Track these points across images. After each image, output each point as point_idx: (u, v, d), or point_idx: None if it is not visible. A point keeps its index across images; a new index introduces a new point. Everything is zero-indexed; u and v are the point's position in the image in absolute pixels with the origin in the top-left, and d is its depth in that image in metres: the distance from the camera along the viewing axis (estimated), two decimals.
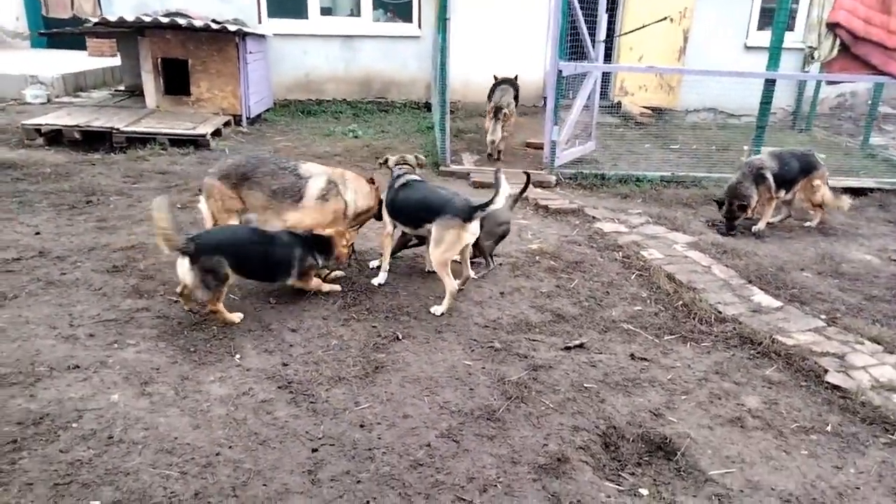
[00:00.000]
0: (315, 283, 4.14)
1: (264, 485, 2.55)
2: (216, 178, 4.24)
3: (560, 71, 6.78)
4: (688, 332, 3.97)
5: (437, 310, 4.04)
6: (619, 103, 10.45)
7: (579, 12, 7.01)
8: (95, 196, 5.85)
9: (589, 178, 7.16)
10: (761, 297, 4.42)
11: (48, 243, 4.72)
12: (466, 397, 3.18)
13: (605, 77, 10.30)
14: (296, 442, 2.80)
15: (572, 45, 7.27)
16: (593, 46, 7.53)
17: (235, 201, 4.25)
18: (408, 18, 10.80)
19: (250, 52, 8.96)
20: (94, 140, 7.59)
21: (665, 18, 8.04)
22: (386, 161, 4.61)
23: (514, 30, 10.52)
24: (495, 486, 2.59)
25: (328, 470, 2.64)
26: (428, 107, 10.67)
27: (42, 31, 13.59)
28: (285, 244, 3.94)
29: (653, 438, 2.93)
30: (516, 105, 8.31)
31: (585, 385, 3.34)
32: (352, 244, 4.41)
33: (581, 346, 3.75)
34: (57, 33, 12.43)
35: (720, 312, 4.19)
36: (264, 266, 3.91)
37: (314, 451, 2.75)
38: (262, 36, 9.73)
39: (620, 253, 5.18)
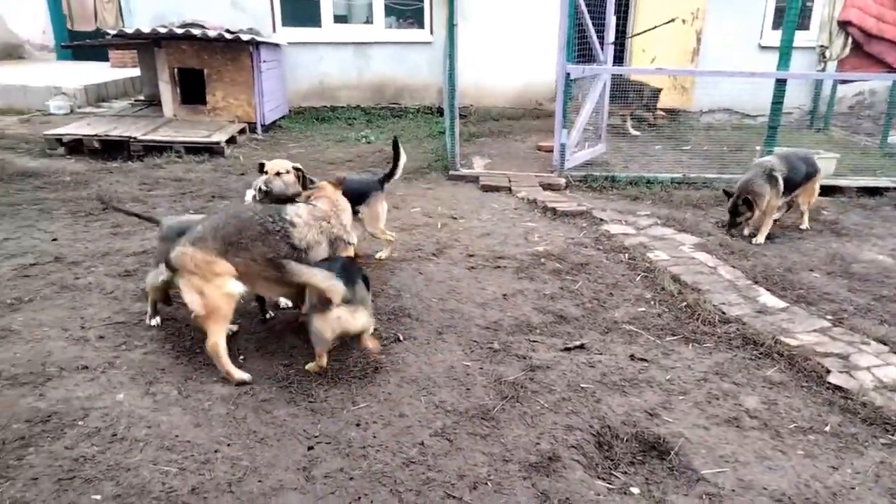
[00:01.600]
0: None
1: (259, 481, 2.61)
2: (188, 246, 3.28)
3: (568, 74, 6.80)
4: (690, 332, 3.96)
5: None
6: None
7: (587, 15, 7.03)
8: (112, 202, 6.00)
9: (599, 180, 7.15)
10: (767, 298, 4.38)
11: (64, 249, 4.86)
12: (462, 397, 3.22)
13: (620, 79, 10.29)
14: (293, 440, 2.86)
15: (582, 48, 7.28)
16: (602, 49, 7.54)
17: (221, 266, 3.31)
18: (420, 24, 10.90)
19: (264, 61, 9.11)
20: (113, 149, 7.79)
21: (673, 20, 8.01)
22: (263, 169, 4.08)
23: (527, 33, 10.54)
24: (485, 483, 2.62)
25: (322, 467, 2.70)
26: (440, 111, 10.73)
27: (65, 44, 13.98)
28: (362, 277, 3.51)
29: (647, 438, 2.93)
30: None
31: (582, 385, 3.35)
32: None
33: (581, 346, 3.76)
34: (79, 46, 12.76)
35: (724, 313, 4.17)
36: None
37: (310, 448, 2.81)
38: (277, 45, 9.89)
39: (626, 255, 5.18)
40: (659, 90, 9.41)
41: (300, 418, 3.02)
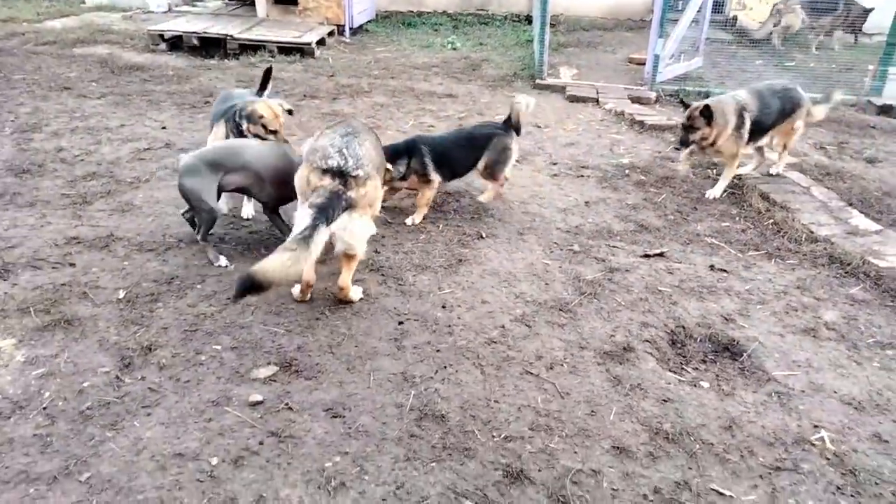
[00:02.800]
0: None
1: (356, 346, 2.90)
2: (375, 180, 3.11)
3: None
4: (774, 249, 3.93)
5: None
6: (735, 18, 9.74)
7: None
8: (212, 97, 6.31)
9: (691, 95, 6.87)
10: (860, 220, 4.25)
11: (173, 136, 5.23)
12: (542, 290, 3.38)
13: None
14: (384, 315, 3.13)
15: None
16: None
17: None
18: None
19: None
20: (210, 46, 8.08)
21: None
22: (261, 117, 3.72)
23: None
24: (561, 365, 2.82)
25: (412, 339, 2.96)
26: (529, 20, 10.42)
27: None
28: None
29: (720, 339, 3.03)
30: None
31: (659, 288, 3.44)
32: None
33: (661, 254, 3.82)
34: None
35: (812, 232, 4.09)
36: None
37: (400, 323, 3.07)
38: None
39: (714, 171, 5.08)
40: (870, 10, 8.75)
41: (391, 298, 3.27)
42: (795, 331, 3.12)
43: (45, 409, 2.45)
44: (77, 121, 5.45)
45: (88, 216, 3.90)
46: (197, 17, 9.07)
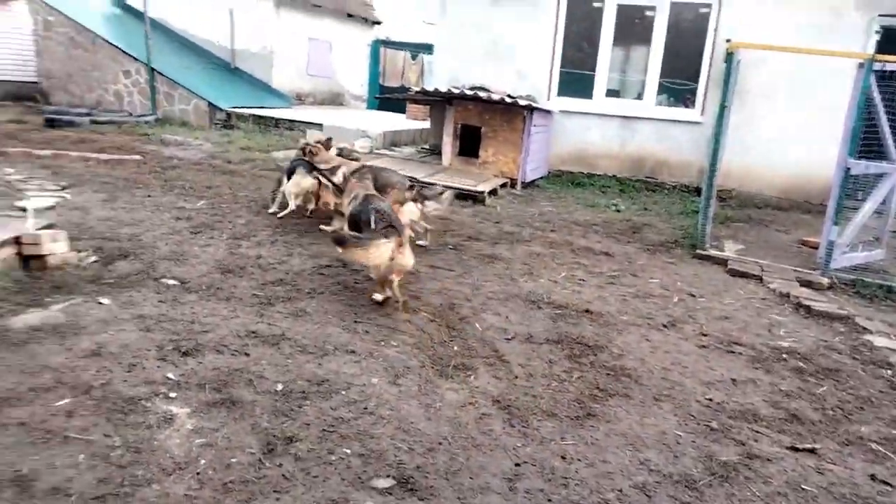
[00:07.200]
0: None
1: (471, 478, 2.99)
2: None
3: (848, 168, 6.33)
4: None
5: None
6: None
7: (881, 108, 6.49)
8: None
9: (871, 286, 6.44)
10: None
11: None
12: (669, 462, 3.27)
13: None
14: (503, 453, 3.21)
15: (870, 143, 6.73)
16: None
17: None
18: (691, 104, 10.91)
19: (535, 125, 9.95)
20: None
21: None
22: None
23: (809, 122, 9.93)
24: None
25: (525, 483, 2.99)
26: (698, 191, 10.52)
27: (376, 96, 16.70)
28: None
29: None
30: None
31: (804, 486, 3.17)
32: None
33: (812, 451, 3.53)
34: (386, 98, 15.18)
35: None
36: None
37: (517, 465, 3.12)
38: (549, 111, 10.72)
39: (890, 371, 4.64)
40: None
41: (512, 437, 3.36)
42: None
43: (198, 474, 2.81)
44: (279, 235, 6.40)
45: (269, 315, 4.52)
46: (391, 160, 10.38)
